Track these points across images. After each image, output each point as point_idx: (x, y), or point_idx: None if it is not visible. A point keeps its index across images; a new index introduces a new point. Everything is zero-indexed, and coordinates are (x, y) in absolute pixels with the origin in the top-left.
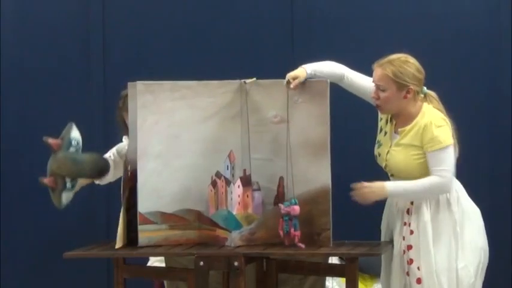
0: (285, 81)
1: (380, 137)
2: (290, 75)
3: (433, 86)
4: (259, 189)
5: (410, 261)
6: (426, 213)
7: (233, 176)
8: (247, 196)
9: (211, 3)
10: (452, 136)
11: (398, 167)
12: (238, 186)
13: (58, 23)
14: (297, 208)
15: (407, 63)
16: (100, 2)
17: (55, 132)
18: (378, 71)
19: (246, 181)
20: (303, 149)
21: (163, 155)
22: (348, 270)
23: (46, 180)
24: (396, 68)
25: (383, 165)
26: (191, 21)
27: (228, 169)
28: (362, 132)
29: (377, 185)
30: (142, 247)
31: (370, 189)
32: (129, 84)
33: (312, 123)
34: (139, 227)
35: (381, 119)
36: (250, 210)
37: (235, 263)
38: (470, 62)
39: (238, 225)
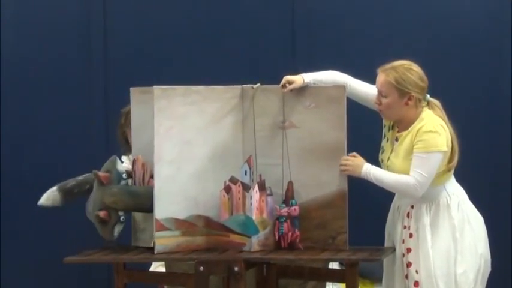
0: (281, 84)
1: (383, 143)
2: (287, 78)
3: (433, 86)
4: (271, 194)
5: (409, 264)
6: (426, 217)
7: (252, 181)
8: (263, 201)
9: (213, 5)
10: (448, 145)
11: (398, 173)
12: (256, 192)
13: (58, 22)
14: (297, 208)
15: (410, 71)
16: (101, 2)
17: (55, 132)
18: (381, 76)
19: (262, 186)
20: (315, 154)
21: (176, 160)
22: (348, 276)
23: (101, 214)
24: (399, 75)
25: (385, 170)
26: (192, 22)
27: (246, 174)
28: (371, 135)
29: (357, 162)
30: (141, 252)
31: (349, 162)
32: (132, 89)
33: (326, 127)
34: (156, 234)
35: (385, 125)
36: (264, 215)
37: (235, 268)
38: (471, 62)
39: (256, 231)
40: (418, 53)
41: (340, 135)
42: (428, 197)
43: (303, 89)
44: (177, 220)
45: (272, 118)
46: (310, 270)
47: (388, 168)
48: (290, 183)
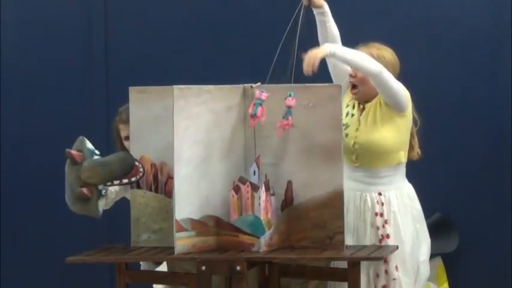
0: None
1: (346, 120)
2: None
3: (433, 86)
4: (274, 194)
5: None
6: (395, 203)
7: (261, 181)
8: (268, 201)
9: (213, 5)
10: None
11: (368, 140)
12: (263, 192)
13: (59, 23)
14: (295, 99)
15: (391, 54)
16: (102, 2)
17: (55, 131)
18: (362, 49)
19: (267, 186)
20: (312, 153)
21: (192, 160)
22: (350, 274)
23: (85, 190)
24: (380, 52)
25: (351, 143)
26: (192, 22)
27: (255, 174)
28: None
29: (316, 49)
30: (143, 252)
31: (310, 54)
32: (130, 88)
33: (323, 127)
34: (176, 235)
35: (348, 105)
36: (269, 215)
37: (238, 268)
38: (471, 62)
39: (264, 231)
40: (418, 53)
41: (336, 135)
42: (394, 183)
43: (301, 88)
44: (192, 220)
45: (271, 117)
46: (312, 270)
47: (356, 140)
48: (289, 183)
